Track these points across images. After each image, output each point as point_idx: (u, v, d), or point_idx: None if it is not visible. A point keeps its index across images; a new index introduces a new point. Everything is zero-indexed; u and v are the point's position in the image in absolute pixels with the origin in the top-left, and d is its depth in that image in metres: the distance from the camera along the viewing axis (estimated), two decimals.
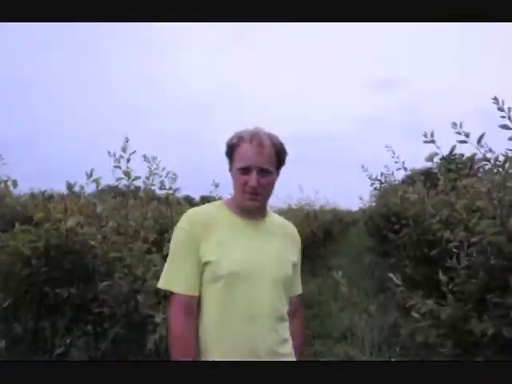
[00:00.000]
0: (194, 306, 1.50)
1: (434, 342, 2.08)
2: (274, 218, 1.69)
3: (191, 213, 1.57)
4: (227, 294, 1.47)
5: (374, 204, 9.20)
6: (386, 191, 6.84)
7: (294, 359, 1.60)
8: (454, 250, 2.59)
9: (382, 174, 5.79)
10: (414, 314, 2.20)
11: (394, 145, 5.39)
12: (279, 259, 1.57)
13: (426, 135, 2.59)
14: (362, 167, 7.08)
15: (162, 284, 1.53)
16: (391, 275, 2.52)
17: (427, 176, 5.68)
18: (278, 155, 1.56)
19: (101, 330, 2.53)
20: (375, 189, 7.30)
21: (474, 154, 2.28)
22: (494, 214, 2.21)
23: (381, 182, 5.69)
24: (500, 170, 2.32)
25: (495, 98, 2.27)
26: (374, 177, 7.00)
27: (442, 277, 2.48)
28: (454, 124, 2.30)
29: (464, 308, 2.16)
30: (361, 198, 10.34)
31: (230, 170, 1.58)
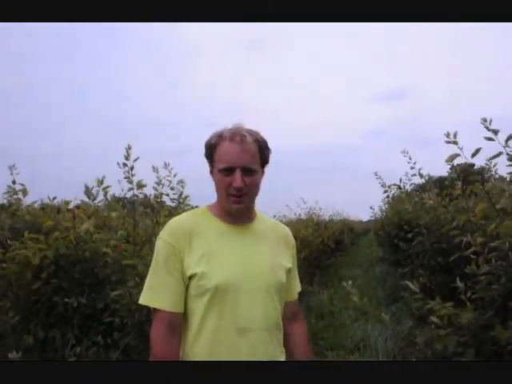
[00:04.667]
0: (179, 323, 1.41)
1: (454, 350, 2.00)
2: (263, 221, 1.57)
3: (173, 222, 1.46)
4: (216, 308, 1.37)
5: (385, 213, 9.11)
6: (398, 199, 6.78)
7: None
8: (472, 256, 2.53)
9: (400, 179, 5.72)
10: (433, 319, 2.12)
11: (401, 155, 5.31)
12: (270, 266, 1.46)
13: (448, 135, 2.49)
14: (375, 174, 7.03)
15: (143, 300, 1.42)
16: (408, 283, 2.45)
17: (440, 184, 5.62)
18: (262, 152, 1.45)
19: (111, 341, 2.48)
20: (387, 196, 7.23)
21: (500, 153, 2.22)
22: None
23: (399, 187, 5.62)
24: None
25: None
26: (387, 185, 6.95)
27: (460, 284, 2.41)
28: (484, 120, 2.23)
29: (484, 315, 2.09)
30: (371, 208, 10.27)
31: (211, 172, 1.48)
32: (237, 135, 1.39)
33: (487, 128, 2.27)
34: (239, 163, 1.38)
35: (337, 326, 5.79)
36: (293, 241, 1.63)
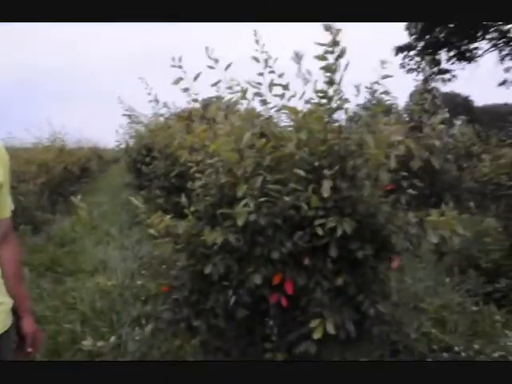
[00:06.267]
0: None
1: (171, 257, 2.20)
2: None
3: None
4: None
5: (131, 140, 9.09)
6: (146, 127, 6.83)
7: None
8: (197, 174, 2.76)
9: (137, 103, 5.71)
10: (151, 231, 2.28)
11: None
12: None
13: (173, 59, 2.56)
14: (119, 99, 6.91)
15: None
16: (131, 198, 2.53)
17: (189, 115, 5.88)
18: None
19: None
20: (129, 122, 7.25)
21: (219, 81, 2.40)
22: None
23: (132, 116, 5.63)
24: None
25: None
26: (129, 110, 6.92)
27: (183, 199, 2.62)
28: (207, 48, 2.36)
29: (199, 224, 2.34)
30: (117, 131, 10.01)
31: None
32: None
33: (209, 57, 2.42)
34: None
35: (78, 252, 5.70)
36: (6, 158, 1.50)
